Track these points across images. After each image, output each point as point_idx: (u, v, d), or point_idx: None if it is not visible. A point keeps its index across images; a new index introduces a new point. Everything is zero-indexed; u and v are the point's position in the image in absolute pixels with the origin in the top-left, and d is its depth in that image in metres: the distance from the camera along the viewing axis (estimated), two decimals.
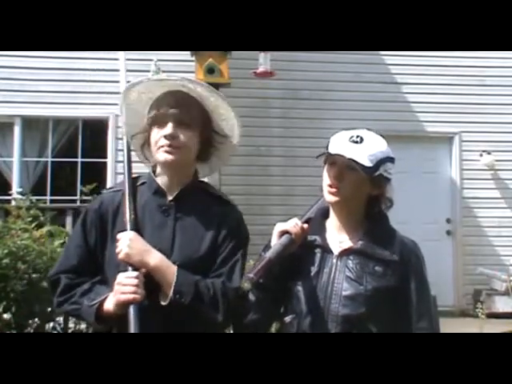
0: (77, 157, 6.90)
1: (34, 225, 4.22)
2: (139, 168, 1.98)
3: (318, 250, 1.77)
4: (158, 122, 1.75)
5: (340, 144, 1.73)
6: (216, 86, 5.88)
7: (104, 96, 6.52)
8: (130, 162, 1.89)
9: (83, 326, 3.88)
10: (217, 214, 1.80)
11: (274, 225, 1.78)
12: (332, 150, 1.73)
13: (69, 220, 5.92)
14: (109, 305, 1.67)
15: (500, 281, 7.09)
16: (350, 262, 1.73)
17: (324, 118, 7.03)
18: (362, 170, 1.68)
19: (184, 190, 1.81)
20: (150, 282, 1.67)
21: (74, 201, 6.44)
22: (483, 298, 7.01)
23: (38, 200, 4.77)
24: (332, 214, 1.82)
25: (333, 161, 1.74)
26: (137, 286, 1.63)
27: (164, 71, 5.89)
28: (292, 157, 7.14)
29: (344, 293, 1.70)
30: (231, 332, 1.92)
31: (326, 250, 1.76)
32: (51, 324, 4.00)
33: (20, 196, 4.98)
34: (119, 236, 1.71)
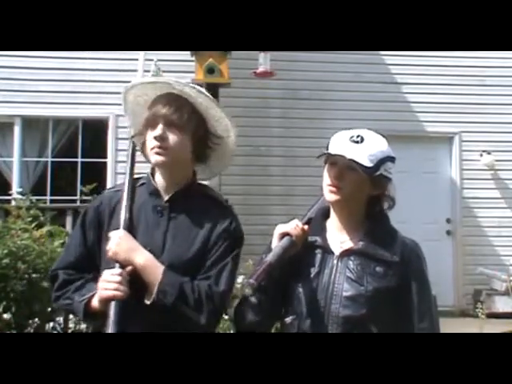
0: (77, 157, 6.90)
1: (34, 225, 4.23)
2: (144, 168, 1.98)
3: (318, 251, 1.77)
4: (150, 123, 1.78)
5: (340, 144, 1.73)
6: (216, 86, 5.91)
7: (104, 96, 6.52)
8: (133, 162, 1.90)
9: (83, 326, 3.88)
10: (211, 216, 1.80)
11: (275, 225, 1.78)
12: (332, 150, 1.73)
13: (69, 220, 5.93)
14: (95, 301, 1.70)
15: (500, 281, 7.09)
16: (350, 262, 1.73)
17: (324, 117, 7.02)
18: (362, 170, 1.68)
19: (179, 191, 1.82)
20: (137, 280, 1.69)
21: (74, 201, 6.44)
22: (483, 298, 7.01)
23: (38, 200, 4.77)
24: (332, 213, 1.81)
25: (333, 161, 1.74)
26: (119, 282, 1.65)
27: (164, 71, 5.90)
28: (292, 157, 7.14)
29: (345, 294, 1.70)
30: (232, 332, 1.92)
31: (327, 251, 1.76)
32: (51, 324, 4.00)
33: (20, 196, 4.99)
34: (111, 234, 1.74)
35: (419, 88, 7.42)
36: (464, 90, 7.47)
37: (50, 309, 3.76)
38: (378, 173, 1.72)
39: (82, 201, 5.44)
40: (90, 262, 1.80)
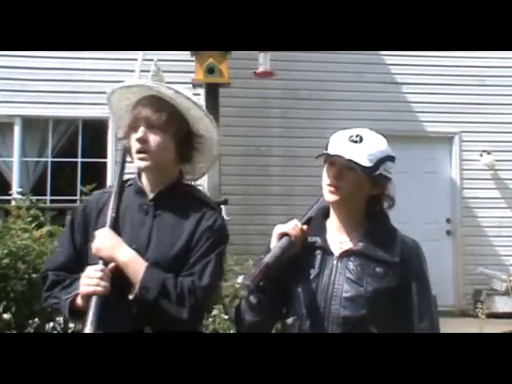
0: (77, 157, 6.90)
1: (34, 225, 4.22)
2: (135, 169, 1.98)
3: (318, 252, 1.76)
4: (132, 126, 1.81)
5: (339, 144, 1.72)
6: (216, 86, 5.91)
7: (104, 96, 6.44)
8: (123, 163, 1.91)
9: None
10: (195, 214, 1.82)
11: (274, 225, 1.77)
12: (331, 150, 1.72)
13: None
14: (79, 299, 1.72)
15: (500, 281, 7.09)
16: (350, 263, 1.73)
17: (324, 117, 7.03)
18: (361, 170, 1.68)
19: (164, 190, 1.85)
20: (120, 277, 1.71)
21: (74, 201, 6.44)
22: (483, 298, 7.01)
23: (38, 200, 4.77)
24: (332, 213, 1.81)
25: (332, 161, 1.74)
26: (100, 278, 1.67)
27: (164, 71, 5.90)
28: (292, 157, 7.14)
29: (344, 294, 1.69)
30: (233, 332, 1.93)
31: (327, 252, 1.76)
32: (51, 324, 4.00)
33: (20, 196, 4.98)
34: (96, 233, 1.77)
35: (419, 88, 7.42)
36: (464, 90, 7.47)
37: (49, 309, 3.76)
38: (378, 172, 1.71)
39: (82, 201, 5.44)
40: (79, 262, 1.83)
